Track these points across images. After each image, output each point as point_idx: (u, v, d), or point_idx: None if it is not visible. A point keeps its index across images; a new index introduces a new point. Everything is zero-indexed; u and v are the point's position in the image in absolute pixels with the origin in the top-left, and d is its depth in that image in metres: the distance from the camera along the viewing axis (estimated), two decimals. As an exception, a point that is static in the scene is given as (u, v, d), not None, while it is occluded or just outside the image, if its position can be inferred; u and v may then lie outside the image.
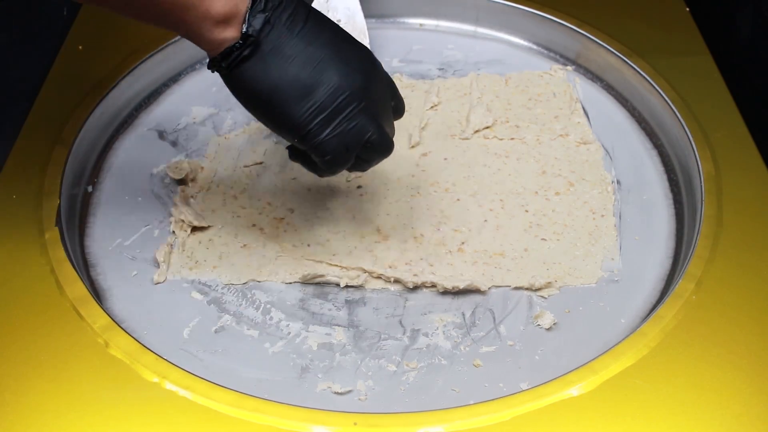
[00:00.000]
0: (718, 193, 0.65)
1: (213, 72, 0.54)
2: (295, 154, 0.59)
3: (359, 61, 0.54)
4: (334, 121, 0.53)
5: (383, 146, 0.56)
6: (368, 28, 0.83)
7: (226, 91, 0.80)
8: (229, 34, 0.51)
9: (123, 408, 0.51)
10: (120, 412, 0.51)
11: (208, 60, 0.54)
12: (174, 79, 0.82)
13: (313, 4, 0.81)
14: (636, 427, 0.50)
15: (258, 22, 0.51)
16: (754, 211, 0.64)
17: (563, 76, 0.83)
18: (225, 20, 0.51)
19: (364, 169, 0.59)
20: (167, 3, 0.50)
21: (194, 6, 0.50)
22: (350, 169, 0.58)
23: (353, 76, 0.53)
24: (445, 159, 0.73)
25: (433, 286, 0.63)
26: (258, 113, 0.55)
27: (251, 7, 0.51)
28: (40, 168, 0.67)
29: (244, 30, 0.51)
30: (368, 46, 0.81)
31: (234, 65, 0.52)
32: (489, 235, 0.67)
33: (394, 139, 0.75)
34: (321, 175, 0.59)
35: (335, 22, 0.79)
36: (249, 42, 0.51)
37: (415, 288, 0.63)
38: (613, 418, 0.51)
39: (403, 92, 0.61)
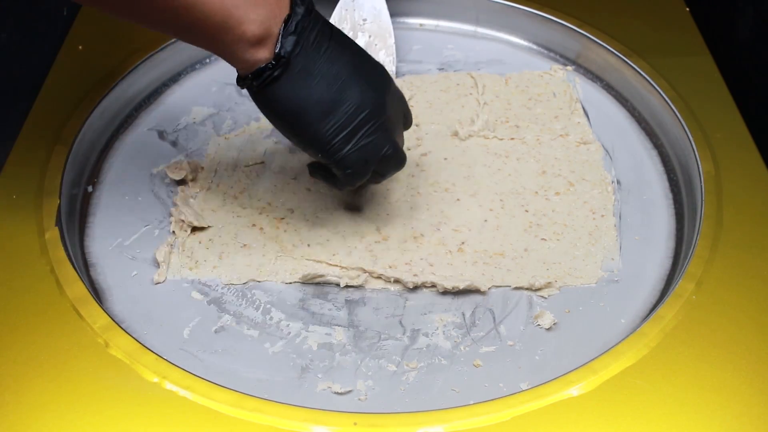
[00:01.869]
0: (718, 193, 0.65)
1: (242, 89, 0.56)
2: (315, 170, 0.63)
3: (376, 80, 0.58)
4: (355, 137, 0.56)
5: (397, 160, 0.60)
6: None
7: (227, 91, 0.82)
8: (262, 55, 0.53)
9: (123, 408, 0.51)
10: (120, 412, 0.51)
11: (236, 76, 0.56)
12: (174, 79, 0.82)
13: (340, 2, 0.82)
14: (636, 427, 0.50)
15: (289, 43, 0.53)
16: (754, 211, 0.64)
17: (563, 76, 0.83)
18: (259, 42, 0.53)
19: (378, 182, 0.63)
20: (205, 25, 0.51)
21: (231, 28, 0.52)
22: (367, 182, 0.61)
23: (371, 94, 0.56)
24: (445, 159, 0.73)
25: (433, 286, 0.63)
26: (284, 129, 0.58)
27: (283, 29, 0.53)
28: (40, 168, 0.67)
29: (277, 51, 0.53)
30: (393, 45, 0.81)
31: (265, 84, 0.54)
32: (489, 235, 0.67)
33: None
34: (340, 188, 0.63)
35: (361, 20, 0.81)
36: (281, 63, 0.53)
37: (415, 288, 0.63)
38: (613, 418, 0.51)
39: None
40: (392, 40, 0.82)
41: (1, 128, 0.72)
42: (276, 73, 0.54)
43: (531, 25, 0.86)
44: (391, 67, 0.82)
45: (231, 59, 0.54)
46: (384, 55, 0.82)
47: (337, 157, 0.57)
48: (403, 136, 0.63)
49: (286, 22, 0.53)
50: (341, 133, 0.56)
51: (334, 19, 0.82)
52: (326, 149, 0.57)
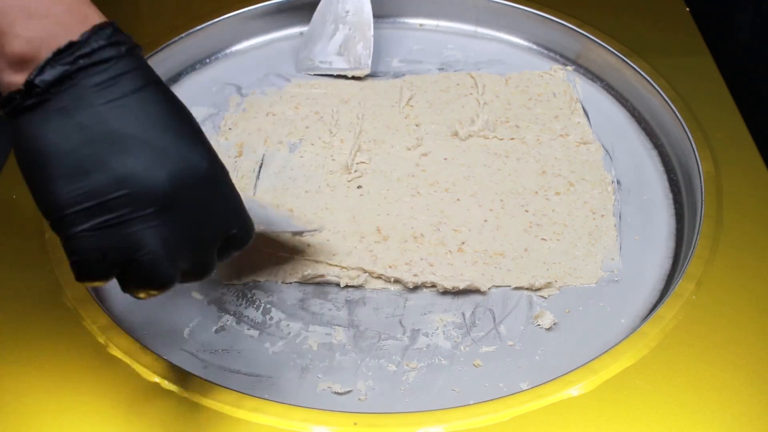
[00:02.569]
0: (718, 193, 0.65)
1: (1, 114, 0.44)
2: None
3: (185, 160, 0.43)
4: (99, 216, 0.41)
5: (152, 275, 0.43)
6: (368, 28, 0.84)
7: (226, 91, 0.82)
8: (18, 79, 0.42)
9: (123, 408, 0.51)
10: (120, 412, 0.51)
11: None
12: (174, 79, 0.82)
13: None
14: (636, 427, 0.50)
15: (52, 74, 0.42)
16: (754, 211, 0.64)
17: (563, 76, 0.83)
18: (20, 62, 0.42)
19: (132, 294, 0.45)
20: None
21: None
22: (123, 289, 0.45)
23: (153, 173, 0.42)
24: (445, 159, 0.73)
25: (433, 286, 0.63)
26: (23, 174, 0.45)
27: (53, 55, 0.42)
28: (40, 168, 0.67)
29: (30, 78, 0.42)
30: (371, 38, 0.81)
31: (13, 115, 0.43)
32: (489, 235, 0.67)
33: (393, 139, 0.75)
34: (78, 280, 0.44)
35: (344, 12, 0.80)
36: (33, 93, 0.42)
37: (415, 288, 0.63)
38: (613, 418, 0.51)
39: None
40: (371, 33, 0.82)
41: (0, 128, 0.72)
42: (27, 104, 0.42)
43: (531, 25, 0.86)
44: (366, 60, 0.82)
45: None
46: (361, 47, 0.82)
47: (67, 234, 0.42)
48: (207, 258, 0.45)
49: (65, 49, 0.42)
50: (82, 204, 0.41)
51: (320, 9, 0.82)
52: (55, 217, 0.42)
